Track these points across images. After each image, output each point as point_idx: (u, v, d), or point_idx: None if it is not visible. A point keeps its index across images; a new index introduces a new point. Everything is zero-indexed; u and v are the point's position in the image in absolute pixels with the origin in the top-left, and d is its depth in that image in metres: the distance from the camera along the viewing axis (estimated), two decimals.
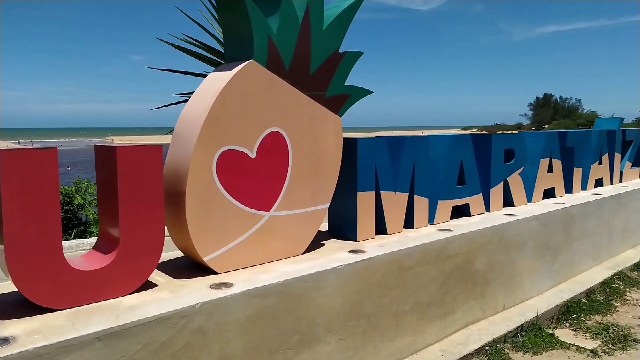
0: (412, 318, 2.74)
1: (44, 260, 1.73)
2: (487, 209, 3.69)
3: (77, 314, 1.76)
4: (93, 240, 6.48)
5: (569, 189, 4.54)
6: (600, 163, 4.95)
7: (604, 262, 4.54)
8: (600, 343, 3.15)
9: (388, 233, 2.96)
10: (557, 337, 3.20)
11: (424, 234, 2.96)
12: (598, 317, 3.54)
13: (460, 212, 3.55)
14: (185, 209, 2.08)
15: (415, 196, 3.10)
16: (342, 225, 2.90)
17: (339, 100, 2.62)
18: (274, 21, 2.29)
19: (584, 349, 3.07)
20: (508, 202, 3.91)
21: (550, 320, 3.45)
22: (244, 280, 2.12)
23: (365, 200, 2.80)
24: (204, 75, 4.11)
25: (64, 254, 1.79)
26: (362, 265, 2.45)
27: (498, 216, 3.54)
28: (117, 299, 1.91)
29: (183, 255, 2.40)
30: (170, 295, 1.95)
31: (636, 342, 3.16)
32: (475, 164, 3.52)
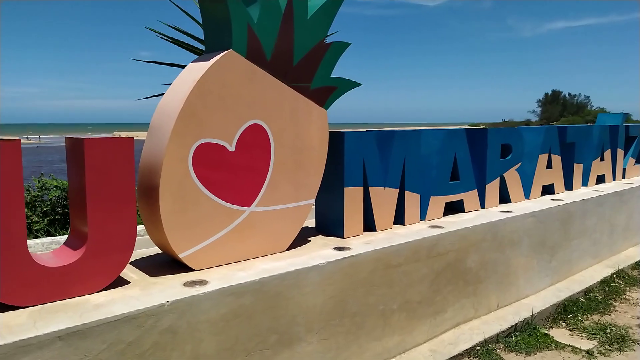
0: (400, 317, 2.66)
1: (6, 256, 1.67)
2: (483, 206, 3.60)
3: (40, 312, 1.70)
4: None
5: (569, 186, 4.43)
6: (602, 159, 4.83)
7: (604, 261, 4.43)
8: (597, 344, 3.06)
9: (377, 230, 2.88)
10: (552, 337, 3.11)
11: (414, 231, 2.88)
12: (596, 317, 3.45)
13: (455, 208, 3.46)
14: (159, 203, 2.01)
15: (406, 192, 3.02)
16: (328, 221, 2.82)
17: (325, 92, 2.54)
18: (254, 10, 2.20)
19: (580, 349, 2.97)
20: (505, 198, 3.82)
21: (545, 319, 3.35)
22: (219, 278, 2.05)
23: (352, 196, 2.72)
24: None
25: (61, 248, 1.73)
26: (346, 263, 2.38)
27: (493, 213, 3.44)
28: (85, 296, 1.85)
29: (161, 252, 2.33)
30: (140, 293, 1.88)
31: (634, 342, 3.06)
32: (470, 160, 3.42)
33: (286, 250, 2.49)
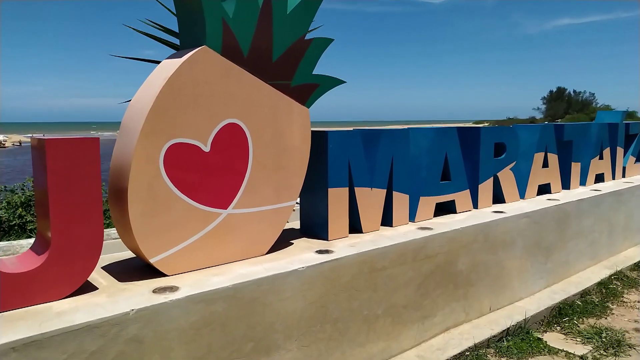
0: (385, 322, 2.58)
1: None
2: (475, 206, 3.51)
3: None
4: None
5: (566, 185, 4.33)
6: (601, 157, 4.72)
7: (602, 262, 4.32)
8: (592, 348, 2.96)
9: (363, 231, 2.80)
10: (546, 341, 3.02)
11: (401, 233, 2.79)
12: (591, 320, 3.35)
13: (446, 209, 3.37)
14: (128, 207, 1.93)
15: (394, 192, 2.93)
16: (313, 223, 2.74)
17: (307, 90, 2.45)
18: (229, 4, 2.12)
19: (573, 354, 2.88)
20: (499, 198, 3.72)
21: (539, 323, 3.26)
22: (191, 284, 1.97)
23: (337, 197, 2.63)
24: None
25: (26, 253, 1.65)
26: (327, 267, 2.29)
27: (485, 213, 3.35)
28: (48, 304, 1.77)
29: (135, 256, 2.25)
30: (106, 301, 1.80)
31: (630, 347, 2.97)
32: (462, 159, 3.33)
33: (267, 254, 2.40)
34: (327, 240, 2.63)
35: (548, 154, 4.05)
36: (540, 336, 3.09)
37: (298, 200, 2.69)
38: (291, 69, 2.36)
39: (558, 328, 3.24)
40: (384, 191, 2.88)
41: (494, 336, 2.95)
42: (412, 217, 3.08)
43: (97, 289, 1.94)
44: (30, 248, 1.93)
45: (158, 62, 4.32)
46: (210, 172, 2.14)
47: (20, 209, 6.72)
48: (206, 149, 2.12)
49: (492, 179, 3.59)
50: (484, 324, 3.07)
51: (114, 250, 2.45)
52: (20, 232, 5.95)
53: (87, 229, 1.83)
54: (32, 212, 5.29)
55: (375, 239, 2.67)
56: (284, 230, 2.79)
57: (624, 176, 5.17)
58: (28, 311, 1.71)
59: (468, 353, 2.79)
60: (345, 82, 2.62)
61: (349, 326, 2.41)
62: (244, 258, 2.32)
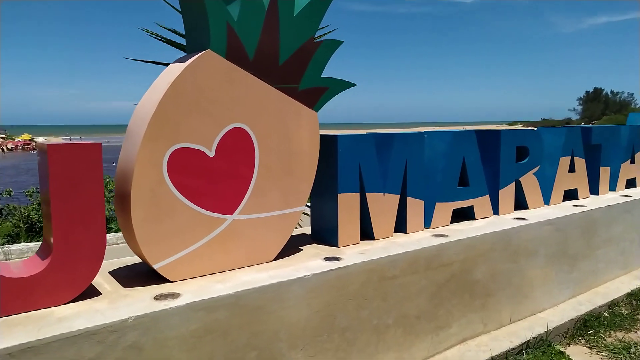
0: (396, 332, 2.50)
1: None
2: (496, 212, 3.38)
3: (0, 326, 1.63)
4: (110, 236, 6.50)
5: (594, 190, 4.14)
6: (632, 162, 4.50)
7: (634, 271, 4.11)
8: None
9: (375, 238, 2.73)
10: (568, 355, 2.88)
11: (415, 240, 2.71)
12: (619, 334, 3.18)
13: (465, 215, 3.26)
14: (131, 212, 1.92)
15: (408, 198, 2.84)
16: (323, 229, 2.69)
17: (315, 93, 2.40)
18: (234, 8, 2.09)
19: None
20: (522, 204, 3.59)
21: (562, 336, 3.11)
22: (194, 291, 1.94)
23: (347, 203, 2.57)
24: None
25: (31, 258, 1.67)
26: (334, 275, 2.23)
27: (506, 220, 3.23)
28: (50, 309, 1.77)
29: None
30: (107, 307, 1.79)
31: None
32: (481, 163, 3.22)
33: (274, 260, 2.36)
34: (337, 246, 2.58)
35: (575, 158, 3.89)
36: (562, 349, 2.95)
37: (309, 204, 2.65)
38: (298, 72, 2.32)
39: (583, 341, 3.09)
40: (397, 197, 2.80)
41: (513, 349, 2.83)
42: (427, 224, 2.99)
43: (101, 294, 1.93)
44: (36, 253, 1.94)
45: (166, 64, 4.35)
46: (215, 177, 2.12)
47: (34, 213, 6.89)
48: (211, 153, 2.10)
49: (513, 184, 3.46)
50: (503, 335, 2.95)
51: (124, 254, 2.46)
52: (34, 234, 6.10)
53: (90, 234, 1.83)
54: None
55: (387, 246, 2.59)
56: (294, 236, 2.76)
57: None
58: (29, 316, 1.71)
59: None
60: (355, 84, 2.56)
61: (358, 336, 2.35)
62: (250, 264, 2.28)
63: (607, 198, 4.04)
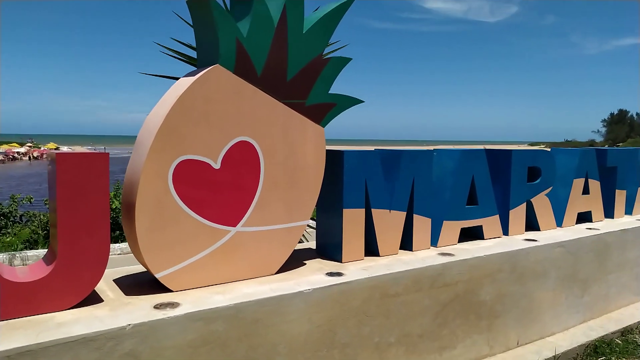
0: (398, 351, 2.47)
1: None
2: (506, 233, 3.34)
3: (2, 329, 1.67)
4: (124, 245, 6.58)
5: (609, 214, 4.06)
6: None
7: None
8: None
9: (380, 255, 2.72)
10: None
11: (420, 258, 2.69)
12: None
13: (474, 235, 3.23)
14: (135, 220, 1.96)
15: (414, 215, 2.83)
16: (327, 244, 2.69)
17: (322, 109, 2.43)
18: (244, 24, 2.14)
19: None
20: (533, 226, 3.54)
21: None
22: (193, 301, 1.96)
23: (352, 218, 2.58)
24: None
25: (37, 263, 1.70)
26: (335, 290, 2.23)
27: (516, 241, 3.18)
28: (52, 314, 1.81)
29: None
30: (107, 314, 1.82)
31: None
32: (490, 182, 3.19)
33: (276, 274, 2.37)
34: (341, 262, 2.58)
35: (589, 180, 3.82)
36: None
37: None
38: (306, 88, 2.35)
39: None
40: (404, 214, 2.79)
41: None
42: (434, 242, 2.97)
43: (103, 301, 1.96)
44: (42, 258, 1.99)
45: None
46: (219, 189, 2.15)
47: None
48: (216, 166, 2.13)
49: (524, 204, 3.42)
50: (509, 358, 2.90)
51: (131, 263, 2.49)
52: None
53: (94, 242, 1.87)
54: None
55: (391, 263, 2.58)
56: (299, 250, 2.77)
57: None
58: (31, 320, 1.75)
59: None
60: (363, 101, 2.58)
61: (359, 352, 2.33)
62: (252, 277, 2.29)
63: (622, 222, 3.95)
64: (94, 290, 2.01)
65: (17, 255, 5.22)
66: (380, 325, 2.39)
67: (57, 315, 1.79)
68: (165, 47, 4.11)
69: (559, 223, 3.68)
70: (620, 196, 4.10)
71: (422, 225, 2.88)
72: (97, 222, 1.87)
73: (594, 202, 3.91)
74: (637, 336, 3.41)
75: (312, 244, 2.93)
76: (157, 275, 2.04)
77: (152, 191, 1.98)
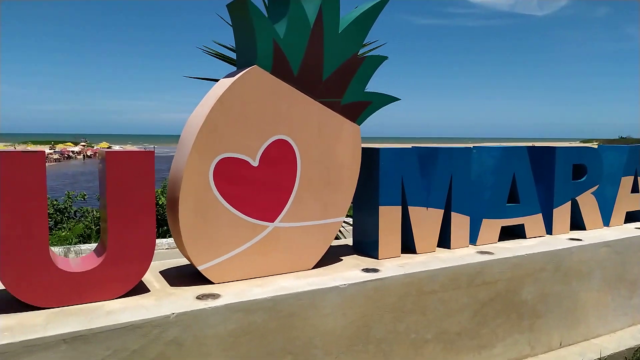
0: (435, 348, 2.47)
1: (29, 260, 1.79)
2: (549, 232, 3.27)
3: (57, 315, 1.80)
4: (172, 240, 6.83)
5: None
6: None
7: None
8: None
9: (417, 252, 2.72)
10: None
11: (458, 256, 2.67)
12: None
13: (516, 234, 3.17)
14: (179, 216, 2.06)
15: (452, 213, 2.82)
16: (363, 241, 2.72)
17: (358, 107, 2.46)
18: (281, 25, 2.20)
19: None
20: (579, 225, 3.43)
21: None
22: (234, 293, 2.04)
23: (388, 216, 2.60)
24: None
25: (88, 255, 1.82)
26: (370, 286, 2.26)
27: (559, 240, 3.11)
28: (101, 302, 1.93)
29: None
30: (153, 303, 1.92)
31: None
32: (533, 180, 3.13)
33: (313, 269, 2.42)
34: (378, 259, 2.60)
35: (639, 177, 3.67)
36: None
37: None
38: (342, 87, 2.39)
39: None
40: (441, 211, 2.78)
41: None
42: (473, 240, 2.94)
43: (149, 291, 2.07)
44: (93, 250, 2.12)
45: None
46: (258, 185, 2.22)
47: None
48: (255, 163, 2.21)
49: (569, 203, 3.33)
50: (551, 359, 2.84)
51: (177, 256, 2.60)
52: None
53: (141, 235, 1.98)
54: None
55: (428, 260, 2.58)
56: (336, 246, 2.81)
57: None
58: (83, 308, 1.87)
59: None
60: (399, 99, 2.59)
61: (394, 349, 2.35)
62: (289, 271, 2.36)
63: None
64: (141, 280, 2.12)
65: (72, 248, 5.51)
66: (416, 321, 2.40)
67: (106, 304, 1.91)
68: (208, 49, 4.24)
69: (606, 222, 3.56)
70: None
71: (460, 223, 2.86)
72: (144, 216, 1.98)
73: None
74: None
75: (349, 241, 2.97)
76: (199, 268, 2.14)
77: (194, 188, 2.07)
